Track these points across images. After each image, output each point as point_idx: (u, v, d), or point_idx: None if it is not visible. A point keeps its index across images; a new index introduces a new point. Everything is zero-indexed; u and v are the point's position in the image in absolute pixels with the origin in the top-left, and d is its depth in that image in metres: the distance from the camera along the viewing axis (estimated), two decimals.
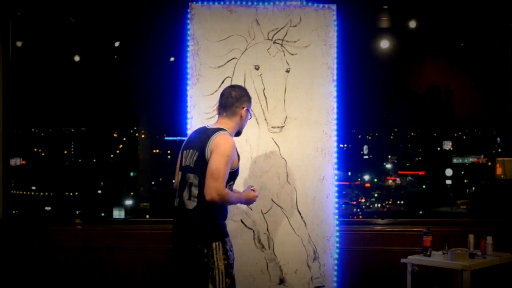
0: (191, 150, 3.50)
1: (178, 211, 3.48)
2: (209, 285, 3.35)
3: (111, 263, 5.40)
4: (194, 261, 3.38)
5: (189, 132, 4.37)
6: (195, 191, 3.41)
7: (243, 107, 3.57)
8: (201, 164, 3.41)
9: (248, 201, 3.63)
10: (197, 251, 3.36)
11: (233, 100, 3.56)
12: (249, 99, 3.63)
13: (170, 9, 5.99)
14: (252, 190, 3.63)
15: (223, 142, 3.41)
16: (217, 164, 3.34)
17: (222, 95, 3.61)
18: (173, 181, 3.67)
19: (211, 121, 4.38)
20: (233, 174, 3.49)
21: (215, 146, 3.40)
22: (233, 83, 4.36)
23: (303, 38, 4.40)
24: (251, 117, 3.71)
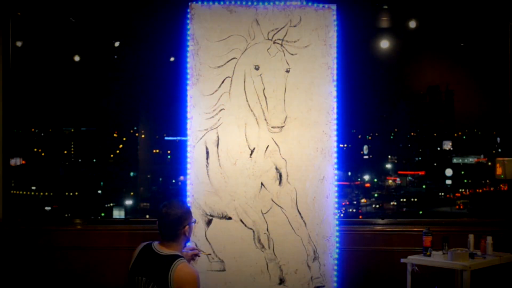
0: (144, 279, 3.19)
1: None
2: None
3: (111, 263, 5.40)
4: None
5: (189, 132, 4.37)
6: None
7: (185, 226, 3.30)
8: None
9: None
10: None
11: (173, 224, 3.27)
12: (188, 212, 3.35)
13: (170, 9, 5.99)
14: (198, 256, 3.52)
15: (190, 279, 3.13)
16: None
17: (160, 218, 3.29)
18: None
19: (210, 122, 4.38)
20: None
21: (182, 285, 3.11)
22: (233, 83, 4.37)
23: (303, 38, 4.40)
24: (195, 222, 3.47)
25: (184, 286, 3.11)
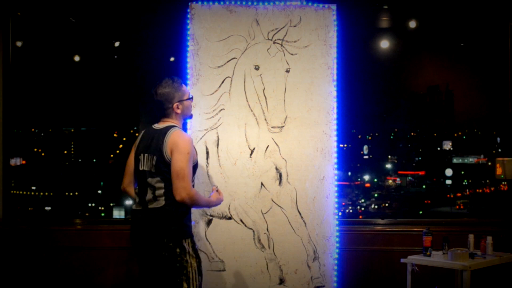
0: (146, 155, 3.48)
1: (140, 213, 3.47)
2: (183, 284, 3.35)
3: (111, 263, 5.40)
4: (165, 260, 3.37)
5: (189, 132, 4.38)
6: (160, 192, 3.42)
7: (174, 103, 3.53)
8: (163, 167, 3.42)
9: (217, 203, 3.65)
10: (168, 250, 3.36)
11: (161, 103, 3.53)
12: (177, 89, 3.55)
13: (170, 9, 5.99)
14: (216, 191, 3.65)
15: (181, 140, 3.42)
16: (180, 163, 3.36)
17: (155, 93, 3.54)
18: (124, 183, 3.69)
19: (210, 122, 4.38)
20: (194, 169, 3.52)
21: (174, 145, 3.41)
22: (233, 83, 4.37)
23: (303, 38, 4.40)
24: (191, 99, 3.64)
25: (177, 146, 3.38)
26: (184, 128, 4.48)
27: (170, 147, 3.41)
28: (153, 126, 3.56)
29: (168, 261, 3.36)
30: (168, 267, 3.37)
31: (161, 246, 3.36)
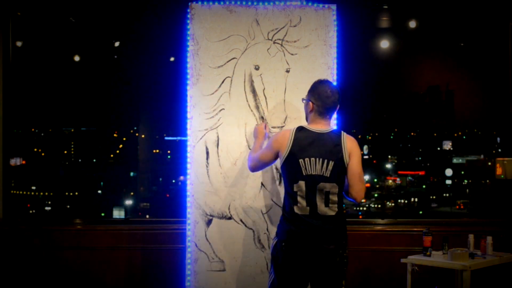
0: (320, 159, 3.50)
1: (311, 218, 3.49)
2: (343, 282, 3.52)
3: (111, 263, 5.41)
4: (336, 266, 3.48)
5: (189, 132, 4.37)
6: (334, 198, 3.50)
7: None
8: (340, 172, 3.51)
9: None
10: (340, 256, 3.48)
11: (336, 105, 3.67)
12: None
13: (170, 9, 5.99)
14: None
15: (355, 144, 3.59)
16: (359, 167, 3.53)
17: (328, 97, 3.61)
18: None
19: (210, 122, 4.38)
20: None
21: (351, 150, 3.54)
22: (233, 83, 4.36)
23: (303, 38, 4.40)
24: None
25: (354, 151, 3.55)
26: (184, 128, 4.50)
27: (349, 151, 3.53)
28: (309, 129, 3.59)
29: (339, 267, 3.48)
30: (338, 272, 3.49)
31: (334, 253, 3.46)
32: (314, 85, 3.68)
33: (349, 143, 3.55)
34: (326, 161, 3.50)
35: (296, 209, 3.50)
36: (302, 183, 3.50)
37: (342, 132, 3.60)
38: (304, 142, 3.54)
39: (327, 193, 3.49)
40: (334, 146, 3.52)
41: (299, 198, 3.51)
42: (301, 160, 3.51)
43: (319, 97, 3.62)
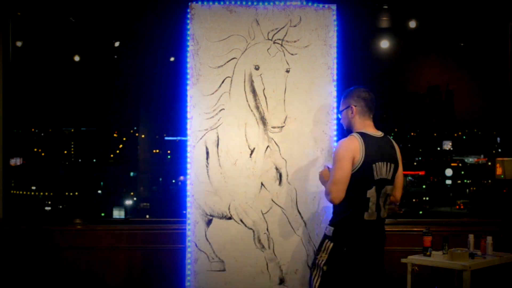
0: (385, 163, 3.62)
1: (376, 224, 3.63)
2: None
3: (111, 263, 5.41)
4: (382, 262, 3.68)
5: (189, 132, 4.37)
6: (388, 200, 3.68)
7: None
8: (395, 174, 3.68)
9: None
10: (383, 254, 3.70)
11: (375, 102, 3.79)
12: None
13: (170, 9, 5.99)
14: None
15: (399, 149, 3.76)
16: (402, 172, 3.78)
17: (367, 94, 3.74)
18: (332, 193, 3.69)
19: (210, 122, 4.38)
20: None
21: (399, 154, 3.74)
22: (233, 83, 4.36)
23: (303, 38, 4.40)
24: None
25: (400, 156, 3.76)
26: (184, 128, 4.50)
27: (399, 154, 3.73)
28: (368, 133, 3.67)
29: (381, 264, 3.69)
30: (381, 269, 3.69)
31: (384, 250, 3.70)
32: (350, 91, 3.79)
33: (397, 147, 3.74)
34: (389, 164, 3.63)
35: (366, 216, 3.58)
36: (374, 188, 3.58)
37: (388, 136, 3.76)
38: (372, 147, 3.61)
39: (388, 195, 3.65)
40: (391, 149, 3.69)
41: (370, 204, 3.58)
42: (374, 165, 3.58)
43: (359, 98, 3.73)
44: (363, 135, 3.63)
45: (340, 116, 3.89)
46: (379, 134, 3.70)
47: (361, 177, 3.55)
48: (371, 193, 3.57)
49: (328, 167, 3.84)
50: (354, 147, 3.57)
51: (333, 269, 3.61)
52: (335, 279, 3.61)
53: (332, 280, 3.61)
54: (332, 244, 3.61)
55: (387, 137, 3.72)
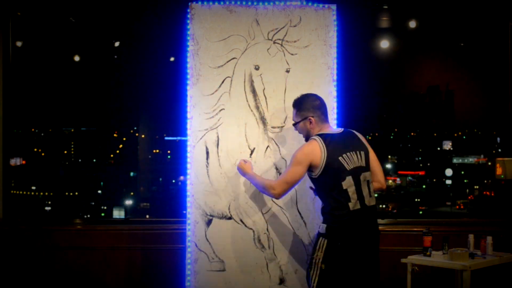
0: (354, 152, 3.72)
1: (362, 212, 3.65)
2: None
3: (111, 263, 5.41)
4: (378, 254, 3.73)
5: (189, 132, 4.36)
6: (371, 187, 3.74)
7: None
8: (368, 160, 3.76)
9: None
10: (379, 243, 3.75)
11: (325, 104, 3.96)
12: None
13: (170, 9, 5.99)
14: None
15: (364, 138, 3.87)
16: (376, 157, 3.88)
17: (317, 101, 3.89)
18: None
19: (210, 122, 4.38)
20: None
21: (366, 142, 3.83)
22: (233, 83, 4.36)
23: (303, 38, 4.40)
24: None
25: (366, 141, 3.86)
26: (184, 128, 4.49)
27: (366, 143, 3.82)
28: (327, 133, 3.78)
29: (377, 255, 3.72)
30: (376, 261, 3.72)
31: (378, 242, 3.73)
32: (302, 101, 3.90)
33: (361, 136, 3.83)
34: (358, 152, 3.72)
35: (350, 206, 3.63)
36: (349, 178, 3.65)
37: (351, 130, 3.86)
38: (335, 143, 3.71)
39: (368, 182, 3.71)
40: (356, 139, 3.79)
41: (350, 194, 3.64)
42: (340, 158, 3.66)
43: (314, 108, 3.85)
44: (322, 135, 3.75)
45: (296, 128, 3.97)
46: (338, 130, 3.84)
47: (331, 174, 3.65)
48: (347, 183, 3.64)
49: (245, 161, 4.11)
50: (313, 150, 3.70)
51: (330, 266, 3.63)
52: (332, 276, 3.62)
53: (330, 277, 3.62)
54: (326, 241, 3.65)
55: (349, 130, 3.84)
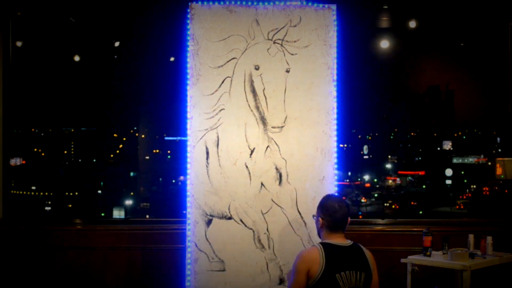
0: (354, 272, 3.45)
1: None
2: None
3: (111, 263, 5.41)
4: None
5: (189, 132, 4.37)
6: None
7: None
8: (368, 283, 3.50)
9: None
10: None
11: (347, 219, 3.58)
12: None
13: (170, 9, 5.99)
14: None
15: (373, 256, 3.59)
16: (378, 282, 3.58)
17: (336, 211, 3.53)
18: None
19: (210, 122, 4.38)
20: None
21: (373, 262, 3.56)
22: (233, 83, 4.36)
23: (303, 38, 4.40)
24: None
25: (374, 261, 3.57)
26: (184, 128, 4.50)
27: (372, 262, 3.53)
28: (332, 243, 3.50)
29: None
30: None
31: None
32: (323, 201, 3.62)
33: (370, 255, 3.56)
34: (359, 273, 3.46)
35: None
36: None
37: (360, 245, 3.57)
38: (336, 256, 3.47)
39: None
40: (361, 258, 3.51)
41: None
42: (337, 275, 3.43)
43: (327, 213, 3.53)
44: (326, 245, 3.49)
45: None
46: (346, 243, 3.53)
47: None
48: None
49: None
50: (311, 258, 3.44)
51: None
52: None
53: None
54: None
55: (358, 246, 3.55)
